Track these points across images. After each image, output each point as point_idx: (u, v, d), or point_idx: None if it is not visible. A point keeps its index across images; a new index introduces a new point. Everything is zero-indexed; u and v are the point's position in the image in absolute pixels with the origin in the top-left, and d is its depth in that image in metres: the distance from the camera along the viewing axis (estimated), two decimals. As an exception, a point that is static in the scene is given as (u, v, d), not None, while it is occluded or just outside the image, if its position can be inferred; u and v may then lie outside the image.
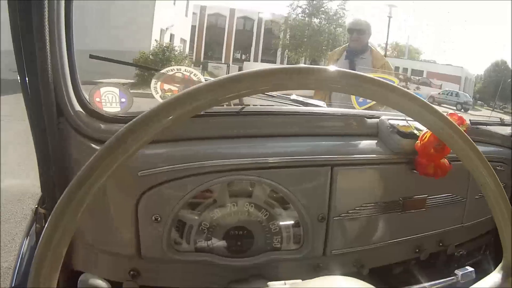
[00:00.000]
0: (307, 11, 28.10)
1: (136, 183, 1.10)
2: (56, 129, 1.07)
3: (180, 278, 1.20)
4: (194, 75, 1.33)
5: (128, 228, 1.12)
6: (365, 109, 1.74)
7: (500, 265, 0.77)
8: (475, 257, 1.69)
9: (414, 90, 13.90)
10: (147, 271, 1.18)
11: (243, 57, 33.42)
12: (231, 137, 1.22)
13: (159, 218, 1.11)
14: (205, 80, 1.32)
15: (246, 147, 1.20)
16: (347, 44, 3.44)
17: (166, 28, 21.77)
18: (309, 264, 1.29)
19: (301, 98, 1.59)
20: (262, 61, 28.54)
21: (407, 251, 1.45)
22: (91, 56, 1.26)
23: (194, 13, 30.39)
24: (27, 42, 1.02)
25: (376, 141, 1.34)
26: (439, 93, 27.94)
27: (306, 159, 1.21)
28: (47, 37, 1.01)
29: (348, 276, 0.71)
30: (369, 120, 1.39)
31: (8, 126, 8.80)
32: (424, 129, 1.27)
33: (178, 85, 1.32)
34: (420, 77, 30.05)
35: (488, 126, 1.83)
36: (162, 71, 1.30)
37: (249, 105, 1.36)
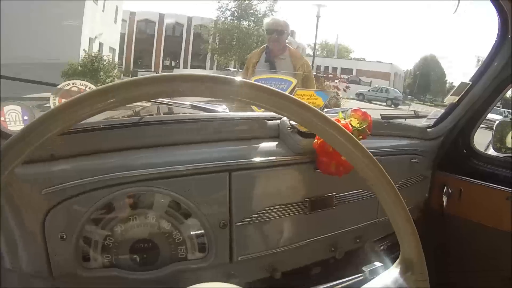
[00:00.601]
0: (236, 14, 28.06)
1: (41, 201, 1.08)
2: None
3: None
4: (89, 88, 1.33)
5: (37, 247, 1.10)
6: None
7: (397, 261, 0.78)
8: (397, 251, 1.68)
9: (344, 89, 13.99)
10: None
11: (173, 63, 33.17)
12: (132, 147, 1.21)
13: (65, 236, 1.09)
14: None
15: (146, 157, 1.19)
16: (265, 46, 3.40)
17: (95, 37, 21.19)
18: (218, 272, 1.27)
19: (201, 104, 1.57)
20: (192, 67, 28.26)
21: (322, 251, 1.46)
22: (3, 77, 1.28)
23: (123, 20, 29.64)
24: None
25: (277, 142, 1.35)
26: (368, 90, 28.57)
27: (202, 166, 1.21)
28: None
29: (258, 281, 0.69)
30: (270, 122, 1.39)
31: None
32: None
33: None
34: (349, 76, 30.53)
35: (404, 120, 1.92)
36: (59, 86, 1.30)
37: (152, 114, 1.38)
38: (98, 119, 1.25)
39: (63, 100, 1.25)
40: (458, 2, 1.69)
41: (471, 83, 1.85)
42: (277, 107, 0.63)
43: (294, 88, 1.68)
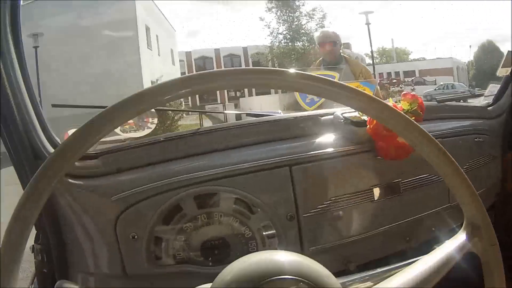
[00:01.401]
0: (289, 36, 28.42)
1: (111, 207, 1.15)
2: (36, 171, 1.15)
3: None
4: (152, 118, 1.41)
5: (111, 249, 1.17)
6: (316, 108, 1.77)
7: (462, 226, 0.77)
8: None
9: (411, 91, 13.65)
10: None
11: (238, 94, 33.30)
12: (191, 155, 1.27)
13: (136, 236, 1.15)
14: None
15: (208, 160, 1.24)
16: (320, 59, 3.41)
17: (156, 80, 21.90)
18: None
19: (255, 112, 1.62)
20: (257, 94, 28.49)
21: (396, 241, 1.42)
22: (54, 105, 1.37)
23: (181, 60, 30.64)
24: None
25: (333, 136, 1.35)
26: (435, 89, 27.31)
27: (262, 163, 1.23)
28: (6, 84, 1.12)
29: (335, 273, 0.67)
30: (323, 118, 1.41)
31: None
32: None
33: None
34: (413, 77, 29.75)
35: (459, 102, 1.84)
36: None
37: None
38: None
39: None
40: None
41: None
42: (330, 96, 0.68)
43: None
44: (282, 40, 28.70)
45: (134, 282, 1.21)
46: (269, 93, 27.75)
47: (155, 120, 1.44)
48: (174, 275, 1.21)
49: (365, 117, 1.31)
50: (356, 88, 0.69)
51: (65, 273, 1.23)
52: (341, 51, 3.36)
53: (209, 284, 0.71)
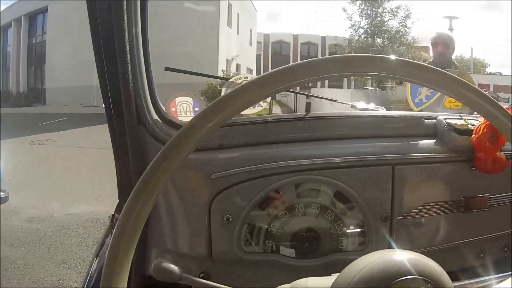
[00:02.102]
0: (369, 31, 27.94)
1: (210, 185, 1.15)
2: (136, 137, 1.15)
3: (248, 279, 1.22)
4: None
5: (201, 229, 1.17)
6: (421, 110, 1.75)
7: None
8: None
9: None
10: (216, 273, 1.21)
11: (310, 84, 33.00)
12: (297, 140, 1.25)
13: (231, 219, 1.15)
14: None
15: (312, 149, 1.22)
16: (430, 60, 3.35)
17: (232, 58, 22.22)
18: None
19: (361, 105, 1.59)
20: (330, 86, 28.39)
21: (472, 256, 1.40)
22: (166, 69, 1.36)
23: (258, 42, 30.87)
24: (108, 48, 1.12)
25: (434, 140, 1.33)
26: (506, 108, 26.87)
27: (368, 159, 1.22)
28: (127, 43, 1.11)
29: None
30: (427, 121, 1.39)
31: (80, 156, 9.38)
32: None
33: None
34: (487, 91, 29.06)
35: None
36: (231, 80, 1.37)
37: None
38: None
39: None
40: None
41: None
42: (434, 84, 0.67)
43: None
44: (362, 34, 28.24)
45: (217, 265, 1.20)
46: (341, 86, 27.56)
47: (268, 98, 1.38)
48: (260, 263, 1.20)
49: (471, 126, 1.29)
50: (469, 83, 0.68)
51: (143, 248, 1.23)
52: (427, 54, 3.32)
53: (319, 279, 0.77)
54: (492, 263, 1.43)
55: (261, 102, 1.41)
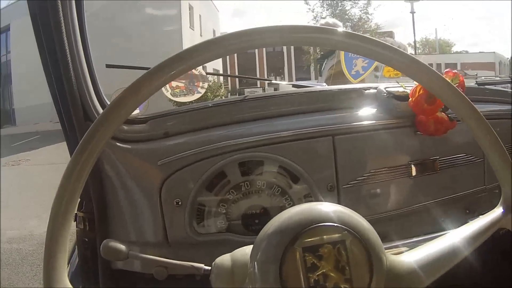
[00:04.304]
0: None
1: (157, 172, 1.18)
2: (85, 132, 1.18)
3: (204, 260, 1.24)
4: (195, 68, 1.42)
5: (154, 215, 1.20)
6: (360, 82, 1.80)
7: (500, 201, 0.79)
8: None
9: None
10: (174, 258, 1.24)
11: (278, 78, 32.96)
12: (239, 121, 1.29)
13: (180, 202, 1.18)
14: (205, 73, 1.46)
15: (254, 128, 1.26)
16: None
17: (196, 60, 22.05)
18: None
19: (301, 83, 1.62)
20: (297, 79, 28.27)
21: (432, 220, 1.40)
22: (108, 66, 1.40)
23: (223, 42, 30.70)
24: (50, 49, 1.16)
25: (375, 109, 1.36)
26: (475, 83, 27.12)
27: (306, 132, 1.24)
28: (66, 44, 1.14)
29: None
30: (367, 91, 1.41)
31: (54, 172, 9.38)
32: None
33: (183, 80, 1.41)
34: (454, 70, 29.31)
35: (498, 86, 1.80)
36: None
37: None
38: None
39: (172, 83, 1.37)
40: None
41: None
42: (375, 56, 0.70)
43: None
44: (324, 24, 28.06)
45: (175, 250, 1.23)
46: (309, 78, 27.51)
47: (205, 85, 1.46)
48: (214, 243, 1.23)
49: (408, 91, 1.32)
50: (398, 48, 0.70)
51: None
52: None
53: (247, 246, 0.75)
54: (455, 226, 1.45)
55: (199, 89, 1.45)
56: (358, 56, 1.86)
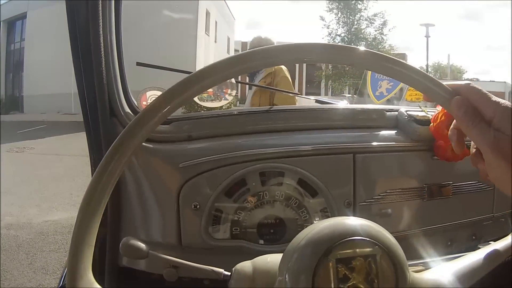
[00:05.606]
0: (346, 39, 28.08)
1: (178, 174, 1.18)
2: (109, 128, 1.19)
3: (216, 265, 1.23)
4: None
5: (170, 217, 1.20)
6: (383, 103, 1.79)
7: None
8: None
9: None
10: (186, 260, 1.23)
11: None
12: (262, 131, 1.30)
13: (198, 206, 1.18)
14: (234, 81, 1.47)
15: (276, 139, 1.26)
16: None
17: (209, 66, 22.14)
18: None
19: (324, 99, 1.64)
20: (307, 94, 28.38)
21: (440, 243, 1.41)
22: (138, 64, 1.41)
23: (236, 50, 30.76)
24: (83, 45, 1.17)
25: (396, 131, 1.36)
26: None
27: (330, 147, 1.25)
28: (101, 40, 1.16)
29: None
30: (388, 113, 1.42)
31: (58, 163, 9.35)
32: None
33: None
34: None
35: None
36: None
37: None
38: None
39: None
40: None
41: None
42: (394, 74, 0.71)
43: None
44: (339, 42, 28.17)
45: (186, 253, 1.22)
46: (319, 94, 27.62)
47: (234, 92, 1.46)
48: (227, 249, 1.23)
49: (429, 116, 1.32)
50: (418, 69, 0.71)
51: (117, 240, 1.25)
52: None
53: (279, 255, 0.73)
54: (461, 251, 1.44)
55: (226, 96, 1.46)
56: (385, 77, 1.87)
